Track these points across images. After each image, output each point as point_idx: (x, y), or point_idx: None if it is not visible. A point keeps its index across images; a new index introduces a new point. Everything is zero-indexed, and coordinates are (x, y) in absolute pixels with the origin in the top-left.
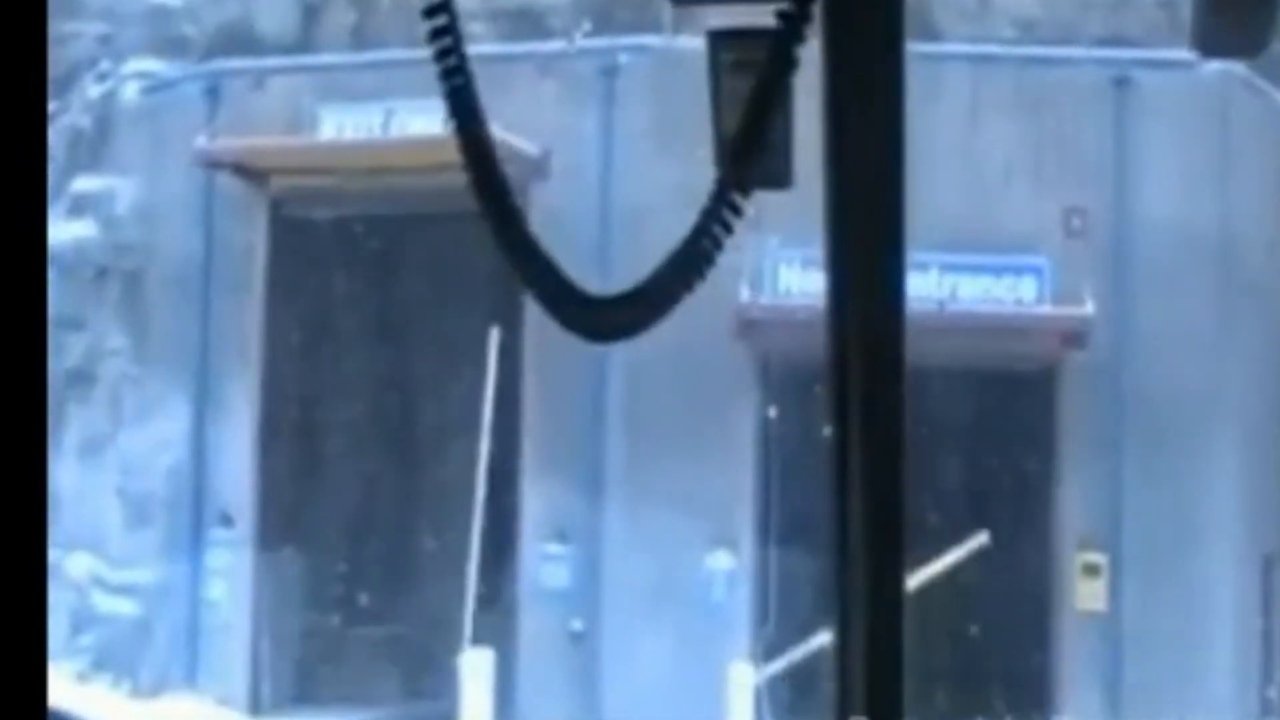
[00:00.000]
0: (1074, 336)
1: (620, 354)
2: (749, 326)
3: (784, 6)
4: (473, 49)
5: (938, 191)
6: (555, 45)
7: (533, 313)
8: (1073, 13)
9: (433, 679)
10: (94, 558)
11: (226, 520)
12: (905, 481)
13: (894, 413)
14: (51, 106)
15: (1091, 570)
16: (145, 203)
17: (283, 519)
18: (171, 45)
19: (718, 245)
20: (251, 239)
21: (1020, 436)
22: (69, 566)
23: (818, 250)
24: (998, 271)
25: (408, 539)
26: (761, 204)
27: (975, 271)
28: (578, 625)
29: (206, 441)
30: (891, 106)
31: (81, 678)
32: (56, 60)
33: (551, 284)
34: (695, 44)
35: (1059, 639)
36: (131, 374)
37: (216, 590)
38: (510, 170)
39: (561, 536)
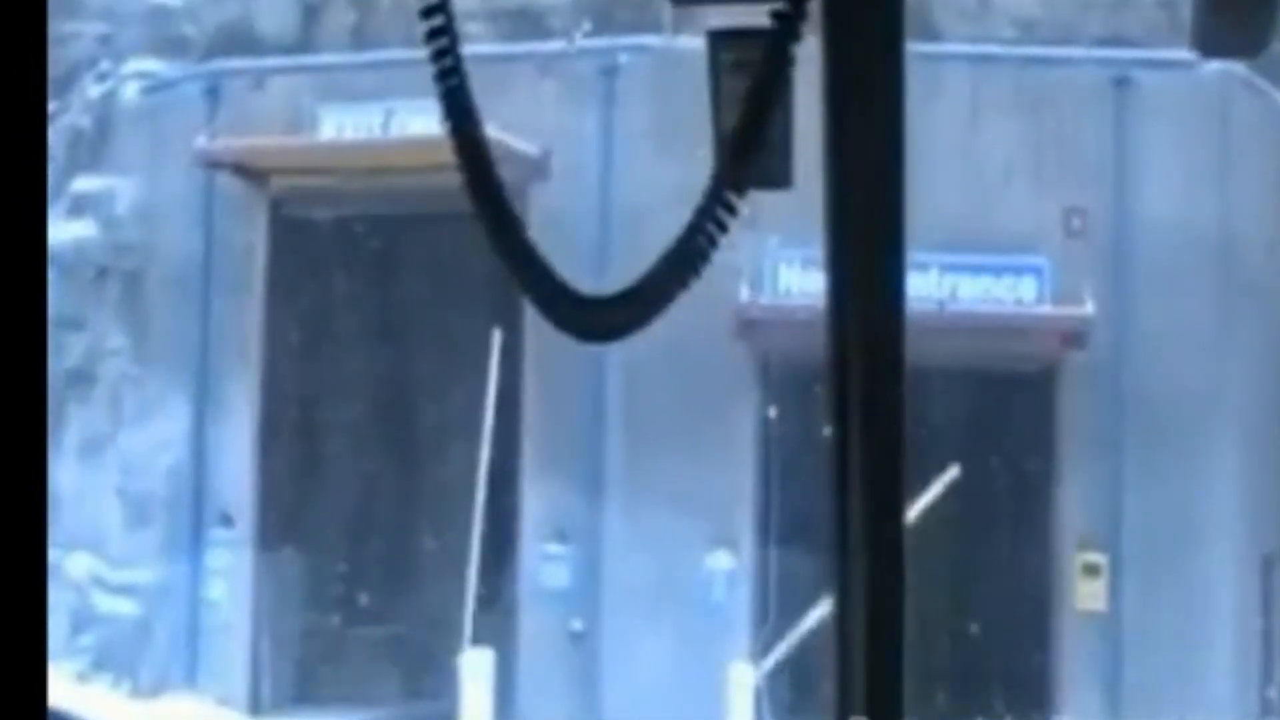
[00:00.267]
0: (1074, 336)
1: (620, 354)
2: (749, 326)
3: (779, 6)
4: (472, 49)
5: (938, 191)
6: (555, 45)
7: (533, 313)
8: (1073, 13)
9: (433, 679)
10: (94, 558)
11: (226, 520)
12: (905, 481)
13: (894, 413)
14: (51, 106)
15: (1091, 570)
16: (145, 203)
17: (283, 519)
18: (171, 45)
19: (712, 244)
20: (251, 239)
21: (1020, 436)
22: (69, 566)
23: (818, 250)
24: (998, 271)
25: (408, 539)
26: (761, 204)
27: (975, 271)
28: (578, 625)
29: (206, 441)
30: (891, 106)
31: (81, 678)
32: (56, 60)
33: (545, 284)
34: (695, 44)
35: (1059, 639)
36: (131, 374)
37: (216, 590)
38: (510, 171)
39: (561, 536)
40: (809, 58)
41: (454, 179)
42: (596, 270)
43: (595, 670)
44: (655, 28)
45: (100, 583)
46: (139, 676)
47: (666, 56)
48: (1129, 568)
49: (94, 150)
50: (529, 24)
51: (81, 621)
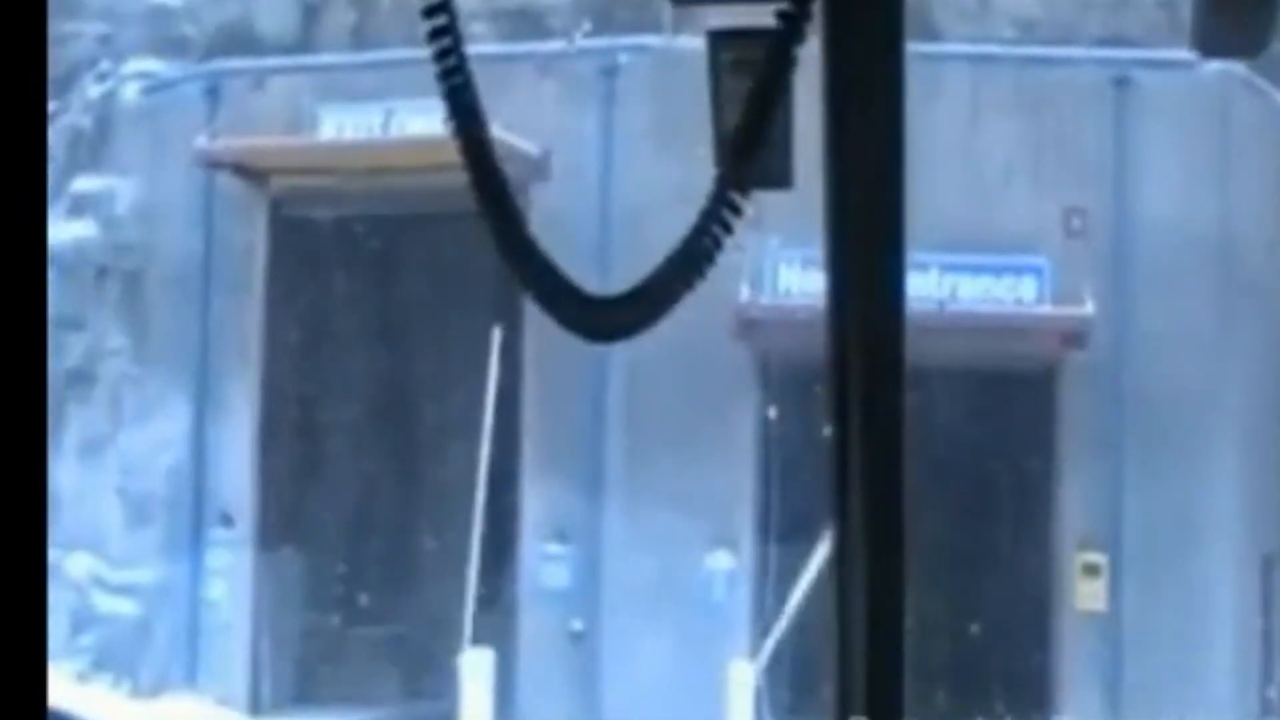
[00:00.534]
0: (1074, 336)
1: (620, 354)
2: (749, 326)
3: (784, 6)
4: (473, 49)
5: (938, 191)
6: (555, 45)
7: (533, 313)
8: (1073, 13)
9: (433, 679)
10: (94, 558)
11: (226, 520)
12: (905, 481)
13: (894, 413)
14: (51, 106)
15: (1091, 570)
16: (145, 203)
17: (283, 519)
18: (171, 45)
19: (717, 245)
20: (251, 239)
21: (1020, 436)
22: (69, 566)
23: (818, 250)
24: (998, 271)
25: (408, 539)
26: (761, 204)
27: (975, 271)
28: (578, 625)
29: (206, 441)
30: (891, 106)
31: (81, 678)
32: (56, 60)
33: (550, 284)
34: (695, 44)
35: (1059, 639)
36: (131, 374)
37: (216, 590)
38: (510, 170)
39: (561, 536)
40: (809, 58)
41: (454, 179)
42: (597, 270)
43: (595, 670)
44: (655, 28)
45: (100, 583)
46: (139, 676)
47: (666, 56)
48: (1129, 568)
49: (94, 150)
50: (529, 24)
51: (81, 621)
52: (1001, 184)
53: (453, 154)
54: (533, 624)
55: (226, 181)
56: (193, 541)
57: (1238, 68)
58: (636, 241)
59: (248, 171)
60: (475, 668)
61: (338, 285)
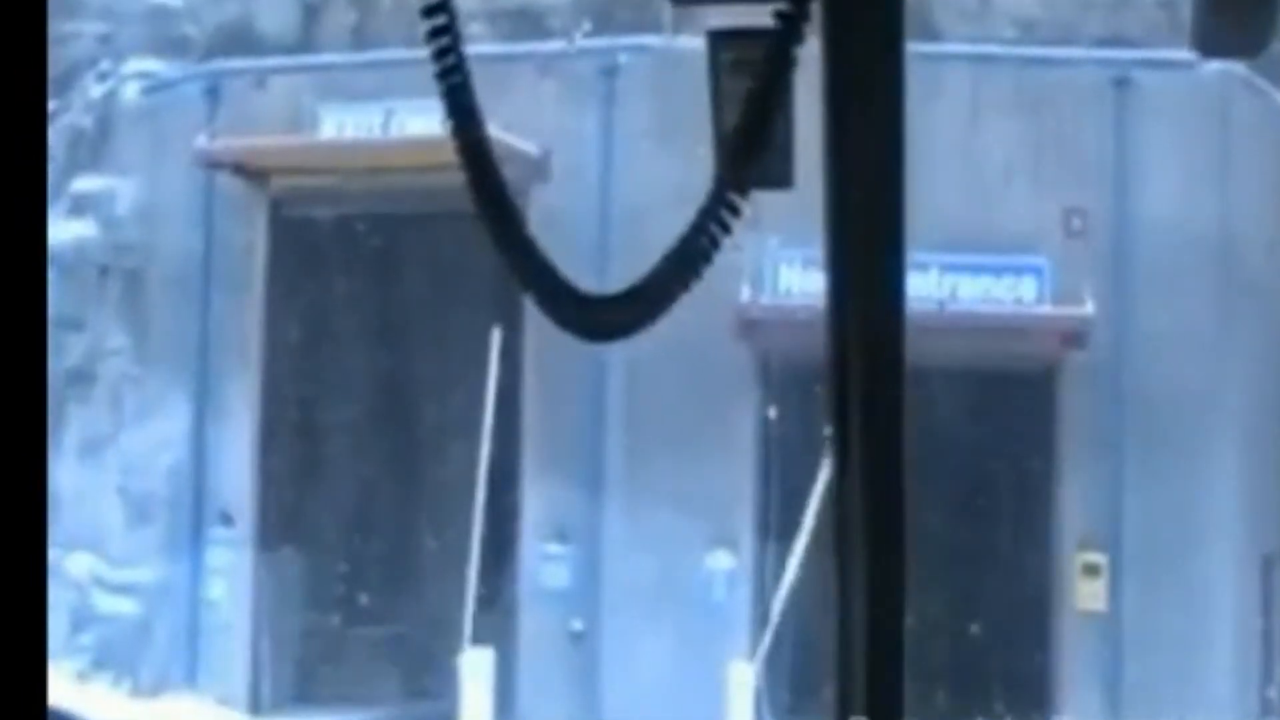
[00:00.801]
0: (1074, 336)
1: (620, 354)
2: (749, 326)
3: (782, 7)
4: (473, 49)
5: (938, 191)
6: (555, 45)
7: (533, 313)
8: (1073, 13)
9: (433, 679)
10: (94, 557)
11: (226, 520)
12: (905, 481)
13: (894, 413)
14: (52, 106)
15: (1091, 570)
16: (145, 202)
17: (283, 518)
18: (172, 45)
19: (715, 244)
20: (251, 238)
21: (1020, 436)
22: (69, 566)
23: (818, 250)
24: (998, 271)
25: (408, 539)
26: (761, 204)
27: (975, 271)
28: (578, 625)
29: (206, 441)
30: (891, 106)
31: (82, 677)
32: (56, 60)
33: (548, 284)
34: (695, 44)
35: (1059, 639)
36: (131, 374)
37: (216, 590)
38: (510, 171)
39: (561, 536)
40: (809, 58)
41: (454, 178)
42: (597, 270)
43: (595, 670)
44: (655, 28)
45: (100, 582)
46: (139, 676)
47: (666, 56)
48: (1129, 568)
49: (94, 150)
50: (529, 24)
51: (82, 620)
52: (1001, 184)
53: (453, 153)
54: (533, 624)
55: (227, 181)
56: (193, 541)
57: (1238, 68)
58: (636, 241)
59: (248, 171)
60: (475, 668)
61: (338, 285)
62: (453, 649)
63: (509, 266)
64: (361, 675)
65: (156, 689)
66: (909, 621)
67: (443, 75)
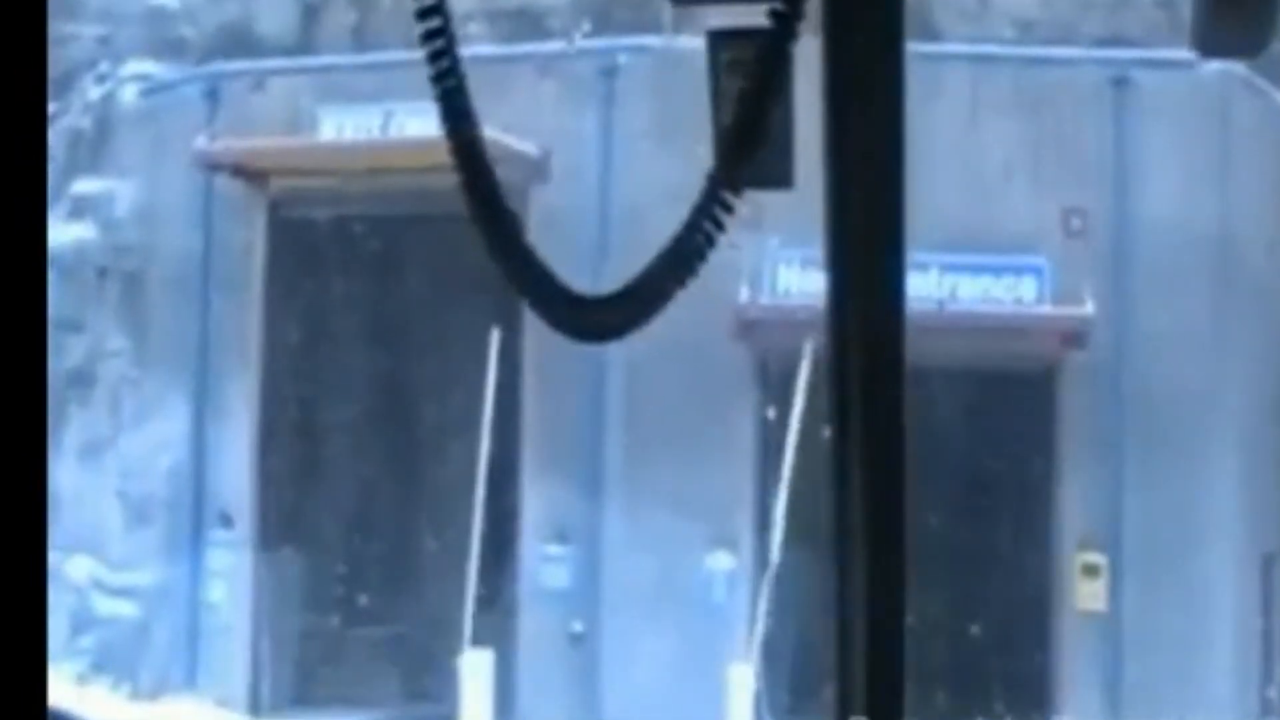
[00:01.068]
0: (1074, 336)
1: (620, 354)
2: (748, 326)
3: (776, 5)
4: (472, 50)
5: (938, 191)
6: (555, 46)
7: (532, 314)
8: (1072, 13)
9: (433, 680)
10: (94, 560)
11: (226, 521)
12: (905, 481)
13: (894, 413)
14: (51, 108)
15: (1091, 570)
16: (145, 204)
17: (282, 520)
18: (170, 47)
19: (710, 243)
20: (251, 240)
21: (1020, 436)
22: (69, 569)
23: (818, 250)
24: (997, 271)
25: (407, 539)
26: (761, 204)
27: (975, 271)
28: (578, 626)
29: (206, 442)
30: (891, 106)
31: (81, 679)
32: (55, 62)
33: (540, 285)
34: (695, 44)
35: (1059, 639)
36: (131, 375)
37: (216, 592)
38: (510, 171)
39: (561, 537)
40: (809, 57)
41: (453, 179)
42: (596, 270)
43: (595, 671)
44: (655, 28)
45: (100, 585)
46: (139, 678)
47: (666, 57)
48: (1129, 568)
49: (94, 152)
50: (528, 25)
51: (81, 623)
52: (1001, 184)
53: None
54: (532, 625)
55: (226, 183)
56: (192, 543)
57: (1238, 68)
58: (636, 242)
59: (247, 173)
60: (475, 668)
61: (337, 286)
62: (452, 650)
63: (502, 268)
64: (361, 676)
65: (156, 691)
66: (909, 621)
67: (438, 78)
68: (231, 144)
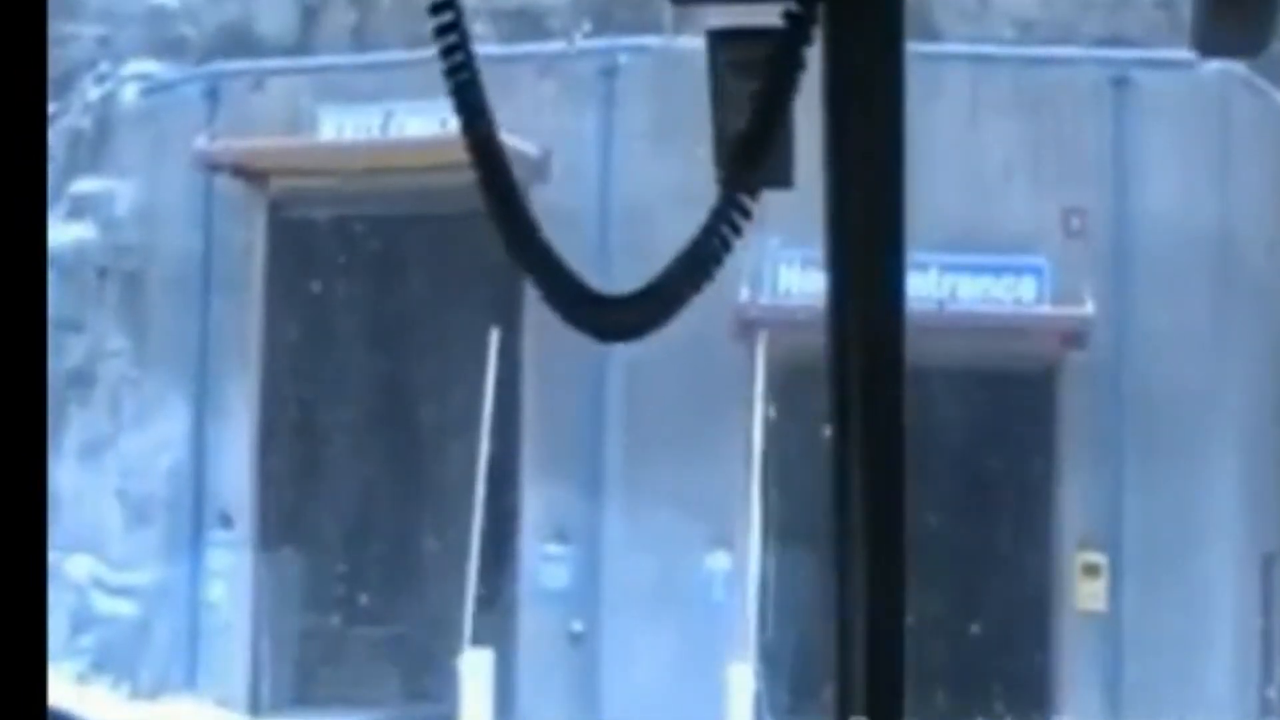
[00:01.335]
0: (1074, 336)
1: (620, 354)
2: (748, 326)
3: (790, 6)
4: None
5: (938, 191)
6: (555, 46)
7: (532, 313)
8: (1072, 13)
9: (433, 680)
10: (94, 559)
11: (226, 521)
12: (905, 481)
13: (894, 413)
14: (51, 108)
15: (1091, 570)
16: (145, 204)
17: (282, 520)
18: (170, 47)
19: (726, 246)
20: (251, 240)
21: (1020, 436)
22: (69, 568)
23: (818, 250)
24: (997, 271)
25: (407, 539)
26: (761, 204)
27: (975, 271)
28: (577, 626)
29: (206, 442)
30: (891, 106)
31: (81, 679)
32: (56, 62)
33: (561, 283)
34: (695, 44)
35: (1059, 639)
36: (131, 375)
37: (216, 591)
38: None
39: (561, 537)
40: (809, 57)
41: (453, 179)
42: (597, 271)
43: (595, 671)
44: (655, 28)
45: (100, 584)
46: (139, 678)
47: (666, 57)
48: (1129, 568)
49: (94, 152)
50: (529, 25)
51: (81, 623)
52: (1001, 184)
53: (451, 154)
54: (532, 624)
55: (226, 183)
56: (192, 543)
57: (1238, 68)
58: (636, 242)
59: (247, 172)
60: (475, 668)
61: (337, 286)
62: (452, 650)
63: (520, 266)
64: (361, 676)
65: (156, 691)
66: (909, 622)
67: (451, 73)
68: (231, 144)
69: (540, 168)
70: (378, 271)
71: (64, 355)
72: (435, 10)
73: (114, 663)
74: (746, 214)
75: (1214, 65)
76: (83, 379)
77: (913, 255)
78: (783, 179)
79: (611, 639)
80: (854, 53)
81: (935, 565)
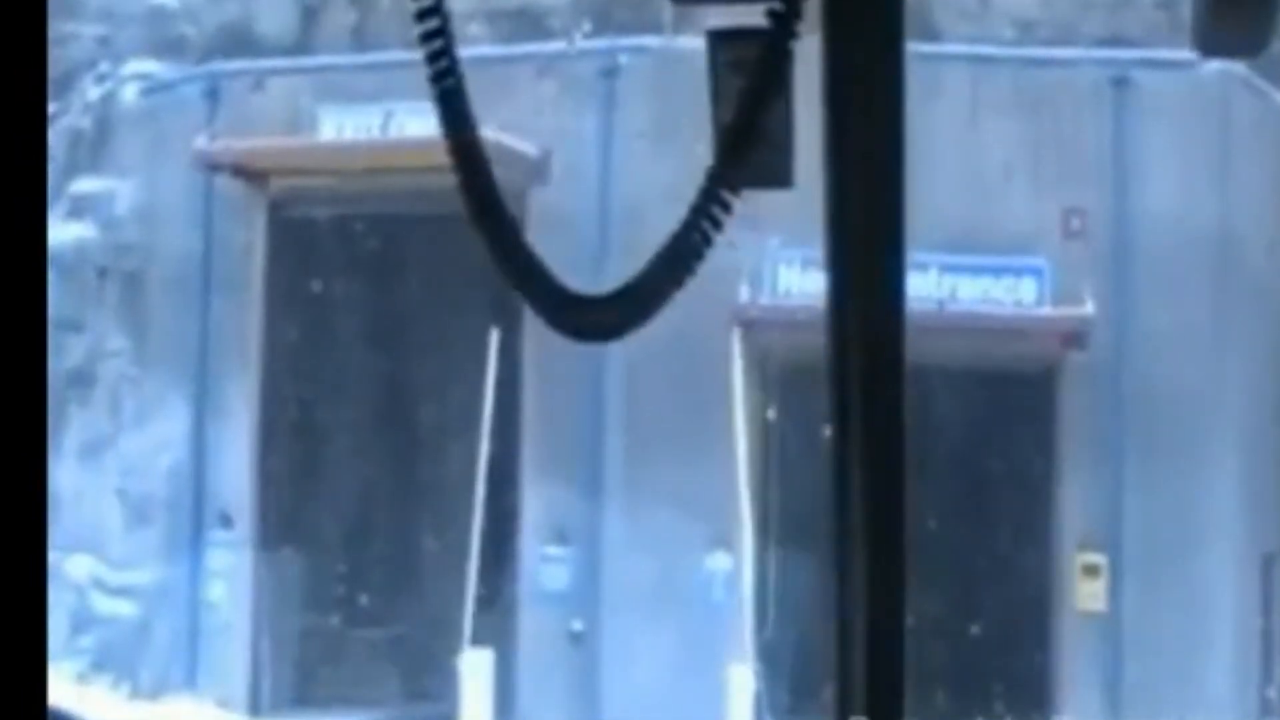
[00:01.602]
0: (1074, 337)
1: (620, 355)
2: (749, 326)
3: (774, 5)
4: (472, 50)
5: (937, 192)
6: (555, 46)
7: (532, 314)
8: (1072, 13)
9: (433, 680)
10: (94, 559)
11: (226, 521)
12: (905, 481)
13: (894, 413)
14: (51, 108)
15: (1091, 571)
16: (145, 204)
17: (282, 520)
18: (170, 46)
19: (708, 241)
20: (251, 239)
21: (1020, 437)
22: (69, 568)
23: (818, 251)
24: (997, 272)
25: (407, 539)
26: (761, 205)
27: (975, 272)
28: (577, 626)
29: (206, 442)
30: (891, 106)
31: (81, 679)
32: (56, 61)
33: (540, 285)
34: (695, 44)
35: (1059, 639)
36: (131, 375)
37: (216, 591)
38: (509, 172)
39: (561, 537)
40: (810, 57)
41: (452, 180)
42: (597, 271)
43: (595, 671)
44: (655, 28)
45: (100, 584)
46: (139, 678)
47: (666, 57)
48: (1129, 568)
49: (94, 152)
50: (529, 25)
51: (81, 623)
52: (1001, 184)
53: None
54: (532, 625)
55: (226, 182)
56: (192, 543)
57: (1238, 68)
58: (636, 242)
59: (247, 172)
60: (475, 668)
61: (337, 286)
62: (452, 650)
63: (500, 268)
64: (361, 676)
65: (156, 691)
66: (909, 622)
67: (436, 78)
68: (231, 144)
69: (540, 168)
70: (378, 271)
71: (64, 355)
72: (421, 16)
73: (114, 663)
74: (727, 208)
75: (1214, 65)
76: (83, 379)
77: (913, 255)
78: (782, 179)
79: (611, 639)
80: (854, 53)
81: (935, 565)
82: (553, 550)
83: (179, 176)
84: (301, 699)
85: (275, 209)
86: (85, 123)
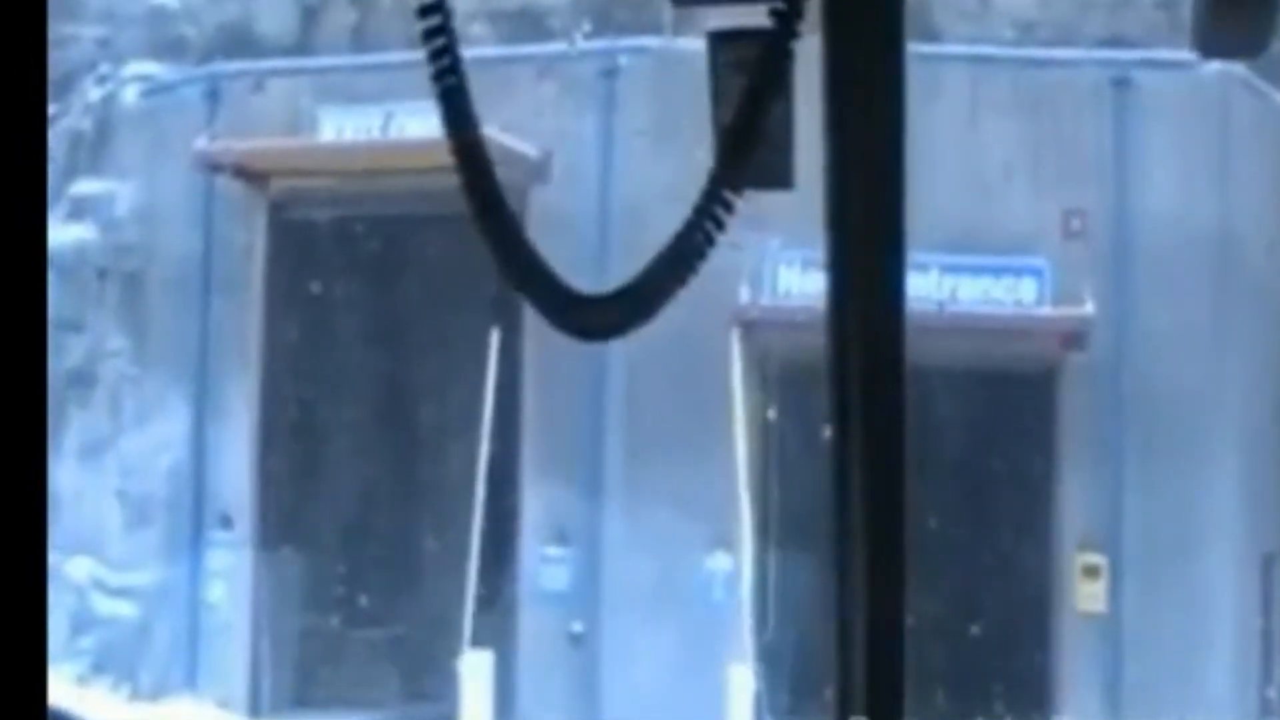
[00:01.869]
0: (1074, 337)
1: (620, 355)
2: (749, 327)
3: (777, 5)
4: (473, 51)
5: (937, 192)
6: (555, 47)
7: (533, 314)
8: (1072, 13)
9: (432, 681)
10: (94, 560)
11: (226, 522)
12: (905, 481)
13: (894, 413)
14: (51, 109)
15: (1091, 571)
16: (145, 205)
17: (282, 520)
18: (171, 47)
19: (709, 242)
20: (251, 240)
21: (1020, 437)
22: (69, 569)
23: (818, 251)
24: (997, 272)
25: (407, 540)
26: (762, 206)
27: (975, 272)
28: (577, 627)
29: (206, 443)
30: (891, 106)
31: (81, 680)
32: (55, 63)
33: (541, 283)
34: (696, 45)
35: (1059, 639)
36: (131, 375)
37: (216, 592)
38: (510, 172)
39: (561, 538)
40: (811, 57)
41: (453, 180)
42: (597, 271)
43: (595, 672)
44: (655, 29)
45: (100, 585)
46: (139, 679)
47: (667, 58)
48: (1129, 568)
49: (94, 153)
50: (529, 26)
51: (81, 624)
52: (1001, 185)
53: (451, 155)
54: (532, 625)
55: (226, 183)
56: (192, 543)
57: (1238, 68)
58: (636, 243)
59: (247, 173)
60: (475, 669)
61: (337, 286)
62: (452, 651)
63: (502, 267)
64: (361, 677)
65: (156, 692)
66: (909, 622)
67: (438, 76)
68: (232, 145)
69: (540, 169)
70: (378, 272)
71: (64, 355)
72: (423, 13)
73: (114, 664)
74: (730, 209)
75: (1214, 66)
76: (83, 379)
77: (913, 256)
78: (783, 179)
79: (611, 640)
80: (854, 53)
81: (935, 566)
82: (553, 551)
83: (179, 177)
84: (301, 700)
85: (275, 210)
86: (85, 124)
